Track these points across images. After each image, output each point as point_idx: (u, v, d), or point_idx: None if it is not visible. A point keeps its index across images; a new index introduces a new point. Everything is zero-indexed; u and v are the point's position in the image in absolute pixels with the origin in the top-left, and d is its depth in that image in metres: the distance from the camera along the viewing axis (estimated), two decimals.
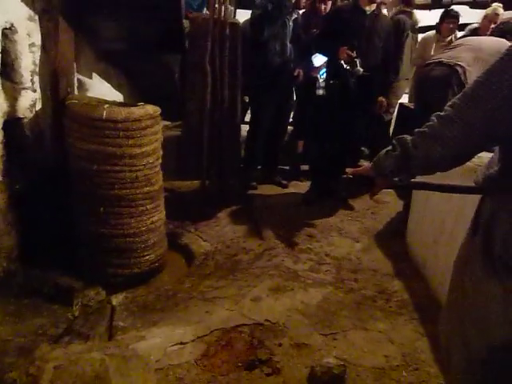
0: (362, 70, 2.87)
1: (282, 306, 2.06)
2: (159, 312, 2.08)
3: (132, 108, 2.23)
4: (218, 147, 3.39)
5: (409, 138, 1.10)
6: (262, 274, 2.35)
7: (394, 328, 1.98)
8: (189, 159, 3.56)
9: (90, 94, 2.83)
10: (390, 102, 3.42)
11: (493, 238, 1.09)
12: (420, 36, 4.44)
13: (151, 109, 2.27)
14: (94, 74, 3.03)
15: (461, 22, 4.68)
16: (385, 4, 3.44)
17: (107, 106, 2.20)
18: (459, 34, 4.17)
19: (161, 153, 2.42)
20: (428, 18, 5.16)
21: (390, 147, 1.15)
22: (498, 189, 1.10)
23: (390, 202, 3.32)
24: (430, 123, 1.07)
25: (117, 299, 2.24)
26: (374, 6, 2.90)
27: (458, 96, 1.05)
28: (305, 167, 3.77)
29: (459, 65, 2.41)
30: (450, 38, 3.97)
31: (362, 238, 2.79)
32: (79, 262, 2.38)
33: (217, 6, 3.29)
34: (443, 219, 2.21)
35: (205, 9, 4.02)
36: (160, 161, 2.41)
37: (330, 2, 3.44)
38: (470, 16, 5.09)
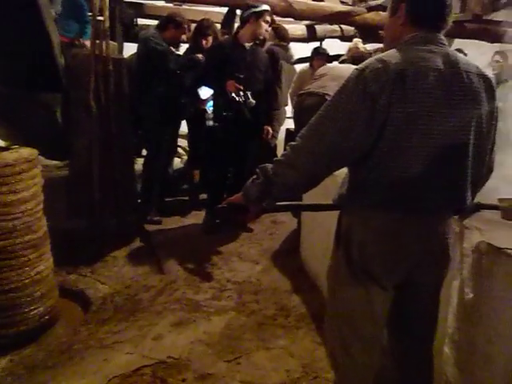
0: (254, 101, 3.06)
1: (184, 340, 2.04)
2: (50, 370, 1.90)
3: (3, 153, 2.08)
4: (110, 184, 3.29)
5: (269, 166, 1.21)
6: (163, 310, 2.31)
7: (293, 342, 2.08)
8: (80, 199, 3.39)
9: None
10: (275, 128, 3.67)
11: (351, 246, 1.24)
12: (298, 67, 4.87)
13: (26, 152, 2.14)
14: None
15: (334, 53, 5.26)
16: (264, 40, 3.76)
17: None
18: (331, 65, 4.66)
19: (42, 197, 2.27)
20: (306, 49, 5.69)
21: (255, 176, 1.25)
22: (349, 204, 1.26)
23: (286, 221, 3.51)
24: (285, 152, 1.20)
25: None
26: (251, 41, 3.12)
27: (305, 127, 1.20)
28: (204, 196, 3.83)
29: (327, 93, 2.71)
30: None
31: (261, 259, 2.90)
32: None
33: (98, 41, 3.27)
34: (329, 233, 2.40)
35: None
36: (42, 206, 2.26)
37: (210, 38, 3.61)
38: (341, 48, 5.74)
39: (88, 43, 3.81)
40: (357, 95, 1.12)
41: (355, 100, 1.12)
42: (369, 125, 1.11)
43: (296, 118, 3.16)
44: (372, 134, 1.12)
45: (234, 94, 3.01)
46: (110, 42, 3.51)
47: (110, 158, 3.30)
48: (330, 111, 1.16)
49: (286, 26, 4.40)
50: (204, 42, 3.58)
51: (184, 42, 3.90)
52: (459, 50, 4.33)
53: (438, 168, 1.15)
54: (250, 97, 3.04)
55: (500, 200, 1.77)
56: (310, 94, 2.88)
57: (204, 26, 3.64)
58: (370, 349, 1.29)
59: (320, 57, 4.42)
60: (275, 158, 1.22)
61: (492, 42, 4.38)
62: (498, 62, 4.13)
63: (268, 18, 3.08)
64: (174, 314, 2.25)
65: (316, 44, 5.39)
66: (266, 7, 3.04)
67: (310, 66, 4.53)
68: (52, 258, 2.35)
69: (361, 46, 4.23)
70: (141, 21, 4.70)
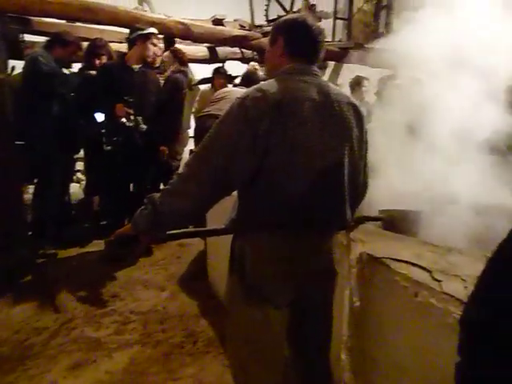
0: (145, 126, 2.96)
1: None
2: None
3: None
4: None
5: (157, 195, 1.19)
6: (58, 353, 2.11)
7: (202, 369, 2.03)
8: None
9: None
10: (177, 150, 3.64)
11: (244, 270, 1.26)
12: (201, 87, 4.93)
13: None
14: None
15: (236, 74, 5.42)
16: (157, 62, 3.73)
17: None
18: (230, 85, 4.80)
19: None
20: (207, 70, 5.79)
21: (143, 206, 1.22)
22: (240, 228, 1.28)
23: (193, 243, 3.44)
24: (172, 181, 1.20)
25: None
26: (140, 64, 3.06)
27: (191, 155, 1.21)
28: (104, 223, 3.62)
29: None
30: None
31: (168, 285, 2.80)
32: None
33: None
34: None
35: None
36: None
37: (104, 57, 3.48)
38: (241, 69, 5.94)
39: None
40: (238, 122, 1.16)
41: (237, 127, 1.16)
42: (251, 150, 1.15)
43: (197, 139, 3.17)
44: (255, 160, 1.16)
45: (124, 119, 2.90)
46: None
47: None
48: (213, 139, 1.19)
49: (188, 47, 4.43)
50: (97, 61, 3.44)
51: (76, 62, 3.71)
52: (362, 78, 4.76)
53: (319, 189, 1.23)
54: (140, 121, 2.95)
55: (380, 211, 1.96)
56: (211, 116, 2.92)
57: (97, 46, 3.50)
58: (269, 368, 1.31)
59: (220, 76, 4.54)
60: (162, 188, 1.21)
61: (372, 67, 4.89)
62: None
63: (155, 41, 3.05)
64: (70, 356, 2.06)
65: (218, 65, 5.52)
66: (152, 30, 3.01)
67: (212, 86, 4.61)
68: None
69: (258, 68, 4.44)
70: (28, 37, 4.37)
